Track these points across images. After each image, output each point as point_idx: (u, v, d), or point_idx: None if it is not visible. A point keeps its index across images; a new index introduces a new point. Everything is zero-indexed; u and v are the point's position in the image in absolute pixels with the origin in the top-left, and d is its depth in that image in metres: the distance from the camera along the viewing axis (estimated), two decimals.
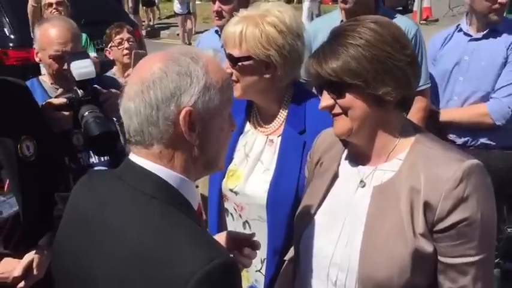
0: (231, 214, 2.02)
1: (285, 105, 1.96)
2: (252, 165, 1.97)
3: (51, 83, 2.65)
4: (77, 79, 2.25)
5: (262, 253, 1.89)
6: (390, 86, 1.44)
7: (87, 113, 2.22)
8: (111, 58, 3.96)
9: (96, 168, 2.55)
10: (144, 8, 17.21)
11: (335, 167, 1.62)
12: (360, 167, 1.57)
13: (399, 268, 1.39)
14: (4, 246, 1.94)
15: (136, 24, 4.98)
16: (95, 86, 2.35)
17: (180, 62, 1.22)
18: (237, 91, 1.87)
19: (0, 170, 1.94)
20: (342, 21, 3.07)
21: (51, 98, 2.47)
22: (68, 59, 2.29)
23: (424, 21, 14.23)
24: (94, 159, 2.66)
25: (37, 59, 2.62)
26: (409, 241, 1.40)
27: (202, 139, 1.24)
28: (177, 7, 14.79)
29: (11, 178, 1.95)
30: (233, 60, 1.84)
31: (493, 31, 3.07)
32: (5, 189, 1.94)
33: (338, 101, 1.49)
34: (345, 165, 1.62)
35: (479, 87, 3.06)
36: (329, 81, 1.46)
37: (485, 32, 3.08)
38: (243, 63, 1.83)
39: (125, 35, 3.93)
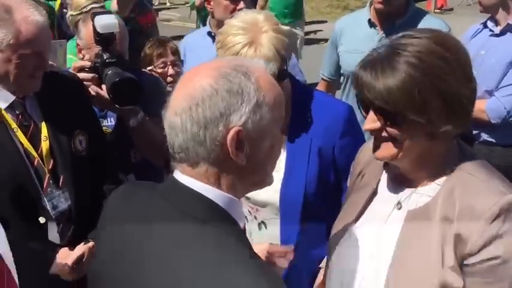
0: (245, 217, 1.96)
1: (286, 106, 1.94)
2: None
3: None
4: (100, 32, 2.15)
5: None
6: (452, 124, 1.29)
7: (110, 71, 2.16)
8: None
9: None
10: None
11: (374, 183, 1.51)
12: (399, 187, 1.45)
13: None
14: (60, 239, 1.99)
15: (150, 7, 4.83)
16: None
17: (232, 78, 1.12)
18: None
19: (56, 166, 1.98)
20: (369, 20, 3.03)
21: None
22: (92, 17, 2.20)
23: (439, 10, 14.04)
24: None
25: (80, 56, 2.49)
26: (437, 274, 1.29)
27: (251, 159, 1.14)
28: None
29: (64, 173, 1.99)
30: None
31: (510, 28, 2.97)
32: (60, 184, 1.99)
33: (388, 128, 1.32)
34: (384, 183, 1.51)
35: (486, 83, 2.96)
36: (382, 108, 1.29)
37: (502, 27, 2.99)
38: None
39: (169, 57, 3.10)
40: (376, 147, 1.39)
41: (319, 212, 1.89)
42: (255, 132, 1.13)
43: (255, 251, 1.38)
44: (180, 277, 1.05)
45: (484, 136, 3.06)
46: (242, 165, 1.14)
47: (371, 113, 1.35)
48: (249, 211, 1.99)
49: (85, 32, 2.42)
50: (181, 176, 1.16)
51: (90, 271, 1.30)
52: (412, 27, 2.81)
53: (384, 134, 1.34)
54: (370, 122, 1.36)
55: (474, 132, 3.07)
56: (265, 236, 1.93)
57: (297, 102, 1.90)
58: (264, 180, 1.23)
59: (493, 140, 3.05)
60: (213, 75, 1.12)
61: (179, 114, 1.12)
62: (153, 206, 1.18)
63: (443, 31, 2.80)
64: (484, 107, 2.99)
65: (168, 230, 1.13)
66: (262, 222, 1.98)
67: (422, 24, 2.93)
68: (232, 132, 1.10)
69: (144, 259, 1.12)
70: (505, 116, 2.96)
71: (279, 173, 1.89)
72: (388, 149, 1.36)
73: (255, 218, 1.98)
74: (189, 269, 1.05)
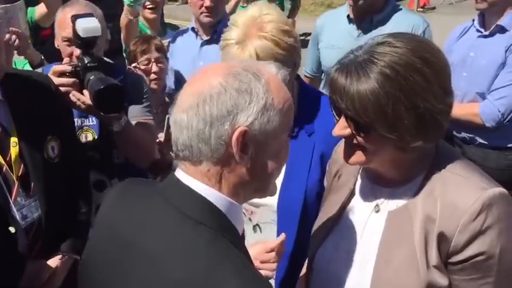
0: None
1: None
2: None
3: None
4: (82, 36, 2.07)
5: None
6: (423, 140, 1.26)
7: (92, 76, 2.10)
8: None
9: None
10: None
11: (351, 184, 1.48)
12: (377, 187, 1.42)
13: None
14: (29, 250, 1.88)
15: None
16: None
17: (241, 77, 1.10)
18: None
19: (27, 173, 1.86)
20: (348, 16, 3.02)
21: None
22: (73, 19, 2.13)
23: (421, 9, 14.14)
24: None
25: (56, 45, 2.45)
26: (422, 273, 1.27)
27: (255, 163, 1.12)
28: None
29: (35, 180, 1.88)
30: None
31: (499, 29, 2.91)
32: (30, 192, 1.87)
33: (358, 137, 1.29)
34: (361, 183, 1.47)
35: (478, 86, 2.95)
36: (354, 119, 1.26)
37: (491, 29, 2.94)
38: None
39: (153, 53, 3.02)
40: (346, 153, 1.36)
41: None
42: (262, 135, 1.10)
43: (251, 253, 1.35)
44: (170, 277, 1.03)
45: (479, 139, 3.02)
46: (245, 168, 1.11)
47: (343, 119, 1.31)
48: (243, 213, 1.92)
49: (58, 18, 2.39)
50: (183, 175, 1.14)
51: (81, 269, 1.27)
52: (389, 24, 2.90)
53: (354, 141, 1.32)
54: (341, 128, 1.32)
55: (469, 135, 3.03)
56: (259, 240, 1.87)
57: (303, 105, 1.86)
58: (267, 188, 1.21)
59: (488, 143, 3.00)
60: (223, 73, 1.11)
61: (186, 111, 1.10)
62: (150, 203, 1.16)
63: (420, 26, 2.87)
64: (478, 111, 2.94)
65: (163, 229, 1.10)
66: (257, 225, 1.94)
67: (400, 21, 2.91)
68: (237, 132, 1.08)
69: (137, 257, 1.10)
70: (500, 119, 2.90)
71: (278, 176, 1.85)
72: (358, 156, 1.33)
73: (250, 220, 1.94)
74: (180, 270, 1.03)
